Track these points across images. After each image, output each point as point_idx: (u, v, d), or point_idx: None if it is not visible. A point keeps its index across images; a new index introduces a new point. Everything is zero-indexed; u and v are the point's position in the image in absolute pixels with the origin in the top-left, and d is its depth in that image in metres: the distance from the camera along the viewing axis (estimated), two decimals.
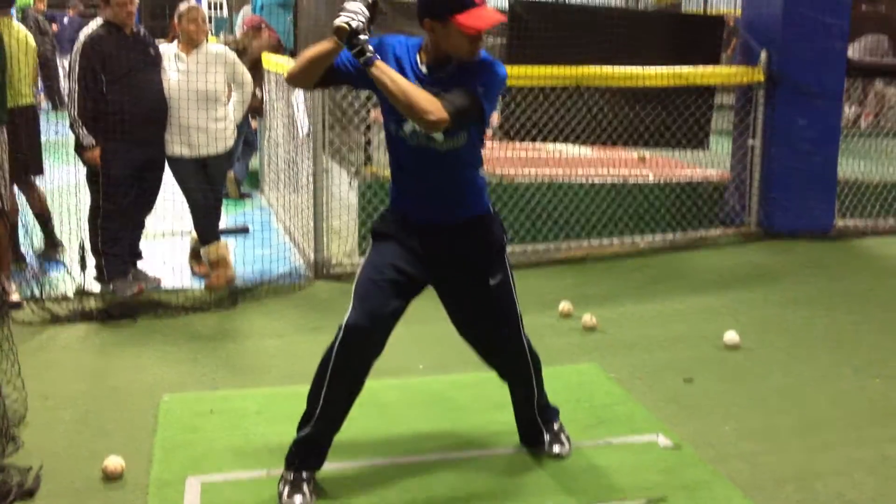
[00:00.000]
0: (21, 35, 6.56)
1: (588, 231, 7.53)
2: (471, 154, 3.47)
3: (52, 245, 6.81)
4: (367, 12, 3.17)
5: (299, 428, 3.49)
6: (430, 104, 3.14)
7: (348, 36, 3.12)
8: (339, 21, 3.12)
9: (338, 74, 3.33)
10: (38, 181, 6.77)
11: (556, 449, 3.83)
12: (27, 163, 6.48)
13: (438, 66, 3.33)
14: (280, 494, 3.43)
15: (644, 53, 7.73)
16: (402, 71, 3.31)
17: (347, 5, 3.16)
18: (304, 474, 3.46)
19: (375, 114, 7.11)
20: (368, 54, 3.15)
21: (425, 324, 5.21)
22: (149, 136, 5.96)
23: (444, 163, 3.41)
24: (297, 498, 3.39)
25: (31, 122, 6.58)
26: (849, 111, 9.84)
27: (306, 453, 3.48)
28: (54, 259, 6.58)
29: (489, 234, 3.57)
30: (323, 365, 3.43)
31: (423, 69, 3.34)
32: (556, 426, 3.90)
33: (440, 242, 3.50)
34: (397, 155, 3.49)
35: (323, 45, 3.22)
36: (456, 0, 3.21)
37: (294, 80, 3.36)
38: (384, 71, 3.17)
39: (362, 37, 3.14)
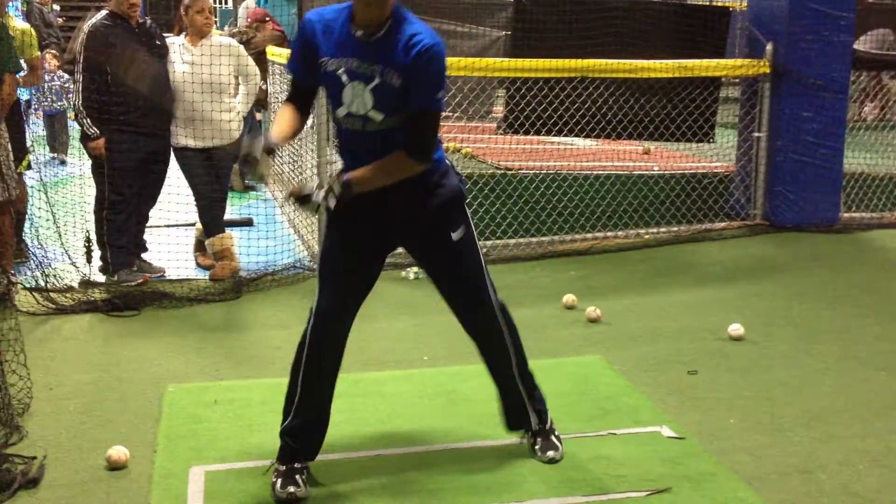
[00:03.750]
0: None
1: (593, 223, 7.52)
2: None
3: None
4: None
5: (283, 419, 3.51)
6: (408, 170, 3.26)
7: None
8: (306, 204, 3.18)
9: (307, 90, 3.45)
10: None
11: (551, 454, 3.70)
12: None
13: (369, 29, 3.21)
14: (273, 486, 3.42)
15: (649, 45, 7.72)
16: (336, 44, 3.25)
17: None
18: (297, 465, 3.47)
19: None
20: (333, 198, 3.17)
21: (430, 315, 5.23)
22: (154, 128, 5.97)
23: (386, 142, 3.30)
24: (291, 488, 3.38)
25: None
26: (868, 109, 9.83)
27: (294, 444, 3.49)
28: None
29: (443, 184, 3.46)
30: (298, 352, 3.48)
31: (357, 34, 3.22)
32: (547, 425, 3.79)
33: (394, 201, 3.38)
34: (342, 135, 3.45)
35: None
36: None
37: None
38: (361, 180, 3.22)
39: (331, 202, 3.17)
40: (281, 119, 3.39)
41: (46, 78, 11.47)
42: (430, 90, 3.20)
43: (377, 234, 3.48)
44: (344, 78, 3.25)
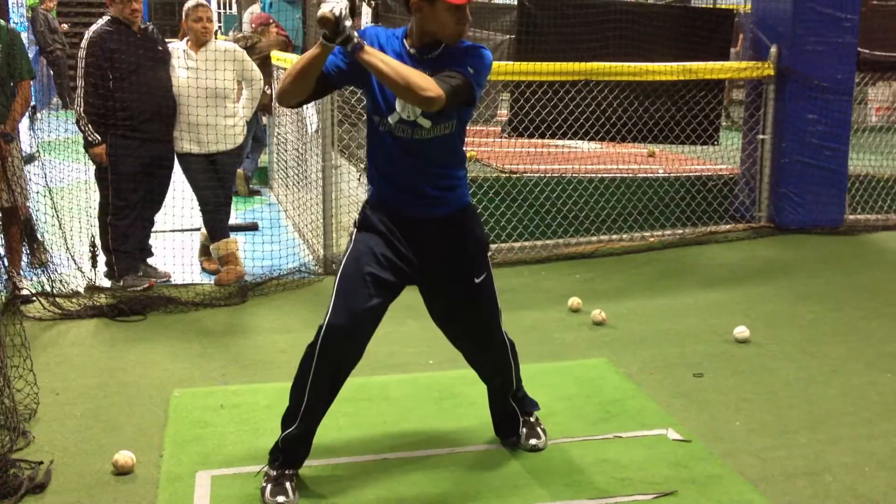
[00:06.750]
0: None
1: (598, 226, 7.53)
2: (454, 144, 3.47)
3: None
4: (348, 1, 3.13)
5: (285, 426, 3.49)
6: (426, 81, 3.12)
7: (334, 24, 3.06)
8: (323, 10, 3.06)
9: (329, 80, 3.31)
10: None
11: (533, 441, 3.83)
12: None
13: (426, 49, 3.33)
14: (263, 491, 3.43)
15: (653, 48, 7.73)
16: (389, 53, 3.29)
17: None
18: (288, 472, 3.47)
19: None
20: (355, 40, 3.10)
21: None
22: (156, 133, 5.98)
23: (429, 154, 3.40)
24: (280, 498, 3.38)
25: None
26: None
27: (292, 452, 3.49)
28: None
29: (473, 230, 3.56)
30: (305, 364, 3.42)
31: (412, 51, 3.33)
32: (532, 418, 3.92)
33: (425, 237, 3.48)
34: (380, 149, 3.46)
35: (310, 53, 3.20)
36: None
37: (286, 97, 3.32)
38: (373, 54, 3.13)
39: (347, 23, 3.08)
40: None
41: None
42: (463, 61, 3.28)
43: (404, 261, 3.47)
44: None
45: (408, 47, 3.34)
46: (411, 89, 3.10)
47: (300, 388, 3.44)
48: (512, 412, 3.87)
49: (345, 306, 3.36)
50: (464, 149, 3.56)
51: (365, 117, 6.96)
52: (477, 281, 3.54)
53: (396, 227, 3.47)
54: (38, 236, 6.28)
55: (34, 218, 6.27)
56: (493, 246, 7.00)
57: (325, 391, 3.44)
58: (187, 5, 6.17)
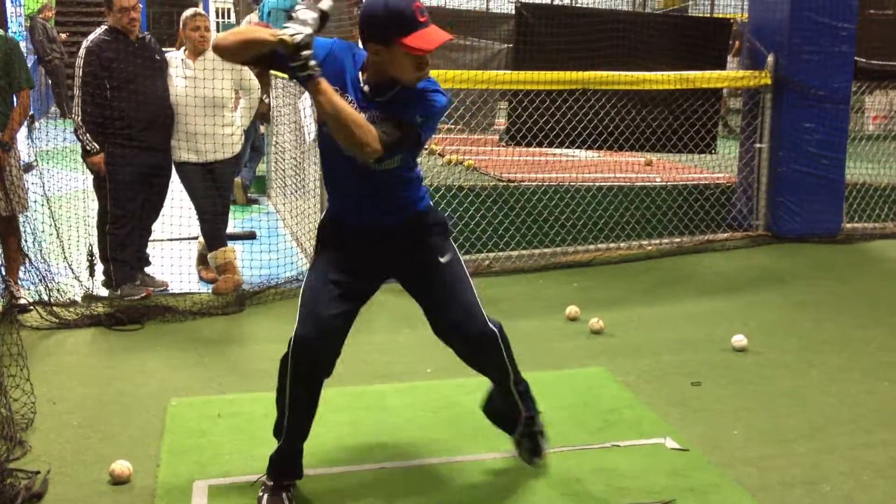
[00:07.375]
0: None
1: (595, 235, 7.53)
2: (405, 167, 3.41)
3: None
4: (317, 24, 3.04)
5: (276, 437, 3.49)
6: (367, 135, 3.04)
7: (292, 50, 2.98)
8: (285, 35, 2.98)
9: (274, 60, 3.16)
10: None
11: (536, 460, 3.76)
12: None
13: (380, 88, 3.22)
14: (259, 501, 3.42)
15: (651, 57, 7.74)
16: (343, 82, 3.22)
17: (299, 13, 3.02)
18: (285, 482, 3.47)
19: None
20: (310, 71, 3.00)
21: None
22: (154, 142, 5.98)
23: (380, 174, 3.33)
24: None
25: None
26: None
27: (286, 463, 3.49)
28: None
29: (432, 226, 3.51)
30: (281, 376, 3.41)
31: (365, 88, 3.23)
32: (536, 427, 3.78)
33: (382, 242, 3.46)
34: (332, 162, 3.40)
35: (263, 36, 3.07)
36: (401, 21, 3.06)
37: (224, 52, 3.17)
38: (324, 92, 3.03)
39: (305, 52, 2.98)
40: None
41: None
42: (414, 108, 3.18)
43: (368, 265, 3.47)
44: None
45: (361, 81, 3.24)
46: (351, 140, 3.05)
47: (280, 400, 3.44)
48: (513, 404, 3.74)
49: (311, 316, 3.35)
50: (418, 170, 3.51)
51: None
52: (443, 260, 3.48)
53: (356, 234, 3.45)
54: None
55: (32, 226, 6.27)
56: (490, 255, 7.02)
57: (302, 401, 3.42)
58: (185, 14, 6.19)
